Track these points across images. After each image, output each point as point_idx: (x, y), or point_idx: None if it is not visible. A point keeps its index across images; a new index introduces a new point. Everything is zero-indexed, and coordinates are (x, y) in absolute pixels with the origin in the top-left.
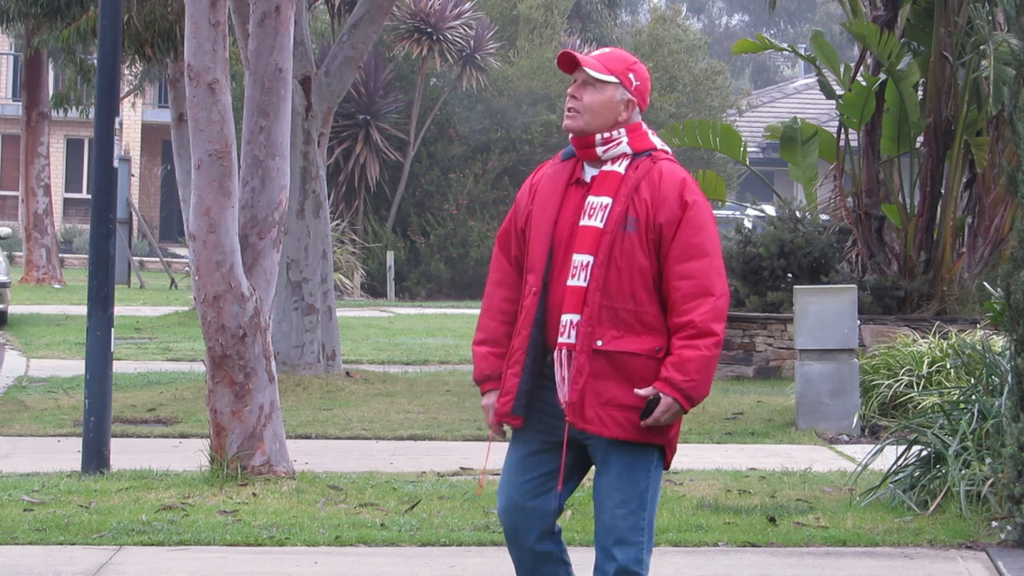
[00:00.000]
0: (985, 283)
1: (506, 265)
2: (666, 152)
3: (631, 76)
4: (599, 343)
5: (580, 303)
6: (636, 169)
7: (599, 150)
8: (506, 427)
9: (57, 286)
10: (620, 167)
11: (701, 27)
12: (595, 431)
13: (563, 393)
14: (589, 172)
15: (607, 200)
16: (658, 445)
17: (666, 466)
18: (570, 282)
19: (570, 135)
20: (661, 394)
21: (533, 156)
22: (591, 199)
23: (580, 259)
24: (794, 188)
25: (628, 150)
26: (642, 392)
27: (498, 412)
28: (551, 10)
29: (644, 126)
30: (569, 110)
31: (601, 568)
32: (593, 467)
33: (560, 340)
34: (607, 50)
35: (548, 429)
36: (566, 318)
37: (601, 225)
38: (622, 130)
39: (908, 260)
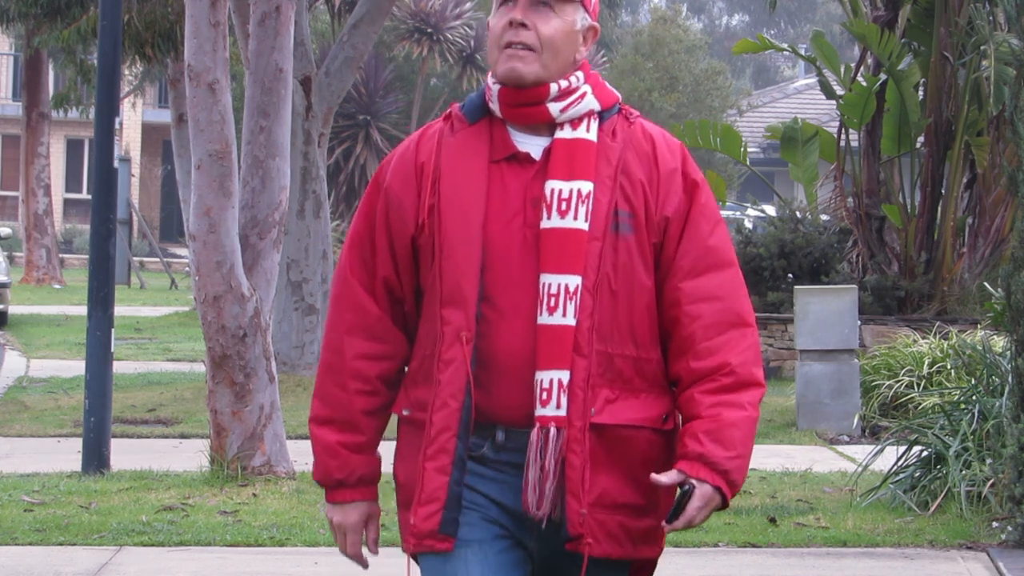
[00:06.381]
0: (986, 283)
1: (364, 297)
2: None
3: None
4: (592, 411)
5: (568, 352)
6: (614, 136)
7: (554, 108)
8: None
9: (57, 286)
10: (590, 133)
11: (701, 27)
12: (596, 552)
13: (538, 497)
14: (530, 141)
15: (586, 186)
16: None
17: None
18: (547, 319)
19: (497, 85)
20: (694, 481)
21: None
22: (555, 185)
23: (557, 281)
24: (795, 188)
25: (596, 105)
26: (663, 479)
27: (416, 532)
28: None
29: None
30: (515, 46)
31: None
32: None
33: (540, 412)
34: None
35: (488, 535)
36: (548, 376)
37: (586, 226)
38: (579, 75)
39: (909, 260)
